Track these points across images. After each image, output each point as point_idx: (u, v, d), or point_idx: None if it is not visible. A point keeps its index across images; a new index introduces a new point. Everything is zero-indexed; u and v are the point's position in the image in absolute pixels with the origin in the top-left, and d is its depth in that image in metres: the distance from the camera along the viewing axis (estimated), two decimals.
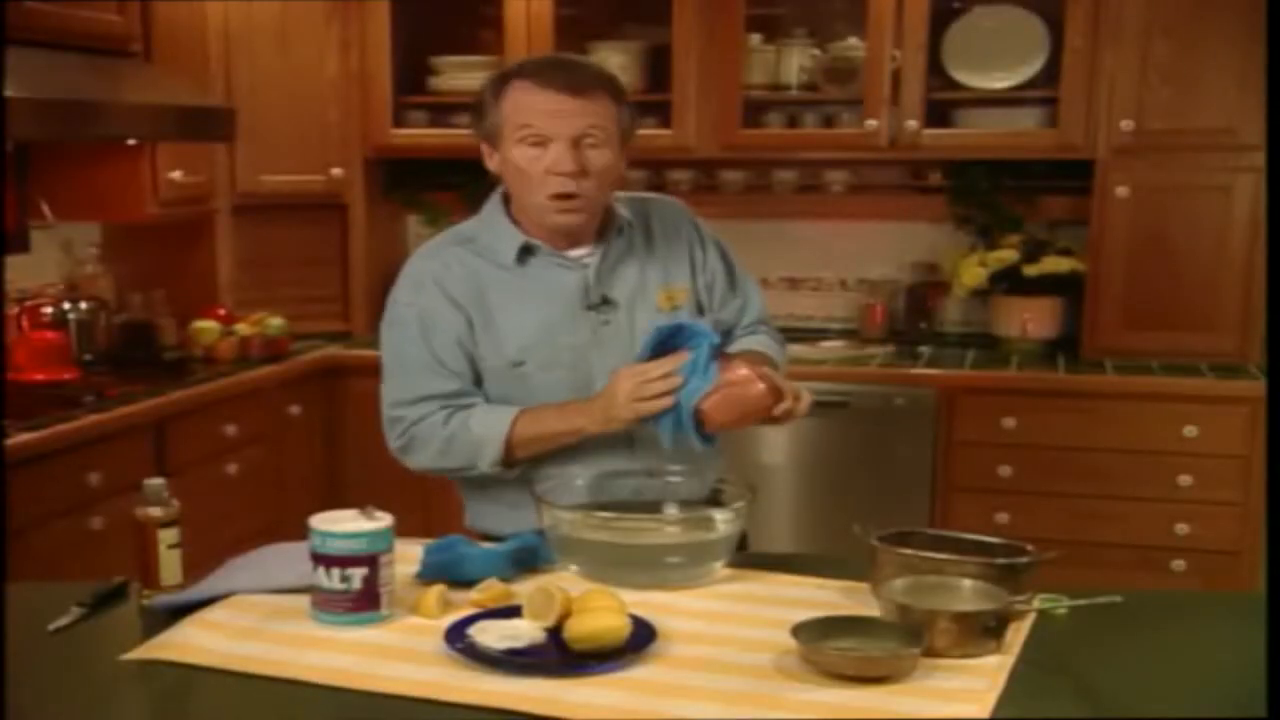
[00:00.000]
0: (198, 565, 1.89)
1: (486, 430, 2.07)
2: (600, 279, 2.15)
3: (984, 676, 1.55)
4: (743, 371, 1.99)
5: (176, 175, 3.77)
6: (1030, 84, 3.95)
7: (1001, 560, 1.74)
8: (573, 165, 2.03)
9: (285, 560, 1.88)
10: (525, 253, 2.13)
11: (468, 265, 2.14)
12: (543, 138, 2.03)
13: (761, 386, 1.97)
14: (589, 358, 2.12)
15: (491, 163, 2.13)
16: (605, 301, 2.15)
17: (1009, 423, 3.77)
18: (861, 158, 4.21)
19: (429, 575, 1.85)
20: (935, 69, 3.97)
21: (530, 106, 2.03)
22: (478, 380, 2.13)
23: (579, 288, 2.14)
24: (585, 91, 2.03)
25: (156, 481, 1.83)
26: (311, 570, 1.72)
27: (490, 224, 2.17)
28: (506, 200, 2.16)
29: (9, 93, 2.81)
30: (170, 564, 1.82)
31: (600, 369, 2.10)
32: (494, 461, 2.08)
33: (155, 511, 1.81)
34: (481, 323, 2.12)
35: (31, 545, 2.78)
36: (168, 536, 1.81)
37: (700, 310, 2.22)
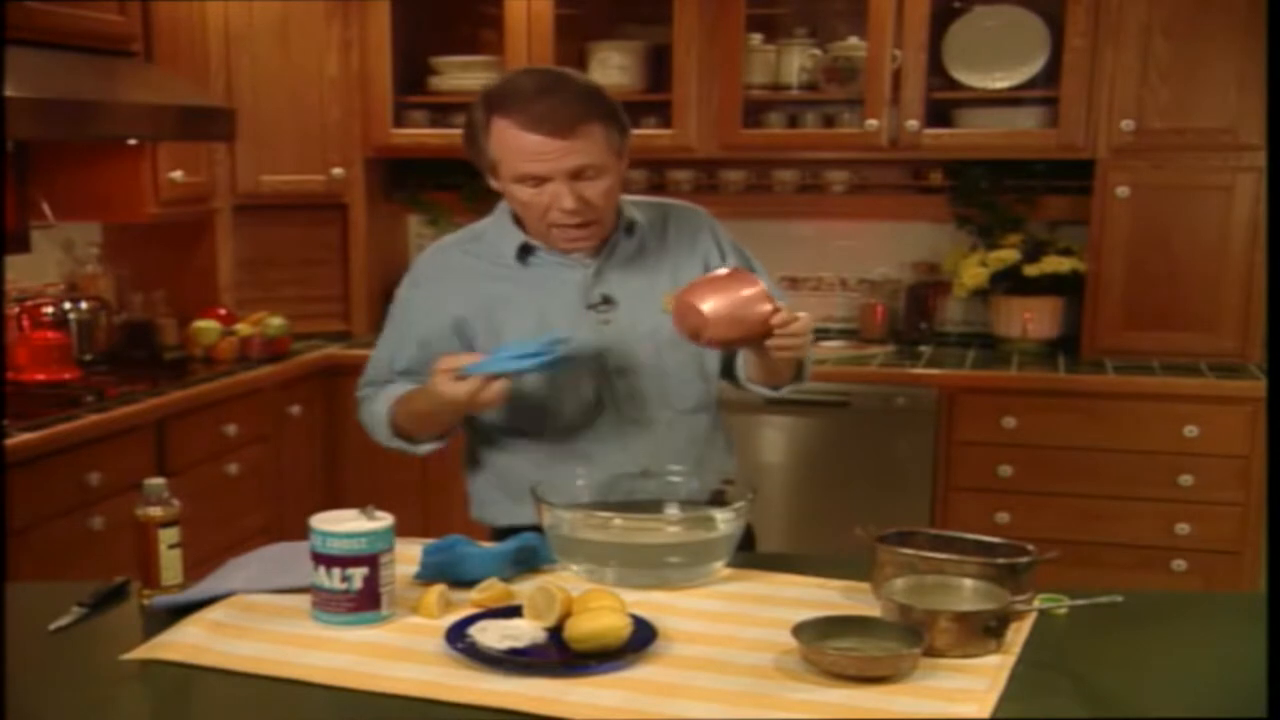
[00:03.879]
0: (198, 565, 1.90)
1: (375, 415, 2.19)
2: (601, 278, 2.15)
3: (984, 676, 1.55)
4: (755, 289, 1.94)
5: (177, 175, 3.77)
6: (1030, 84, 3.95)
7: (1002, 560, 1.74)
8: (572, 203, 2.02)
9: (285, 560, 1.88)
10: (526, 251, 2.14)
11: (470, 264, 2.16)
12: (539, 178, 2.01)
13: (767, 307, 1.93)
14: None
15: (492, 183, 2.12)
16: (606, 301, 2.14)
17: (1009, 423, 3.77)
18: (862, 158, 4.21)
19: (429, 575, 1.85)
20: (936, 69, 3.97)
21: (519, 150, 1.99)
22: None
23: (579, 286, 2.14)
24: (573, 130, 1.97)
25: (156, 481, 1.84)
26: (311, 570, 1.72)
27: (498, 222, 2.19)
28: None
29: (9, 93, 2.81)
30: (170, 564, 1.82)
31: (600, 368, 2.10)
32: (387, 439, 2.19)
33: (155, 511, 1.81)
34: (482, 321, 2.13)
35: (31, 545, 2.78)
36: (168, 536, 1.81)
37: None
